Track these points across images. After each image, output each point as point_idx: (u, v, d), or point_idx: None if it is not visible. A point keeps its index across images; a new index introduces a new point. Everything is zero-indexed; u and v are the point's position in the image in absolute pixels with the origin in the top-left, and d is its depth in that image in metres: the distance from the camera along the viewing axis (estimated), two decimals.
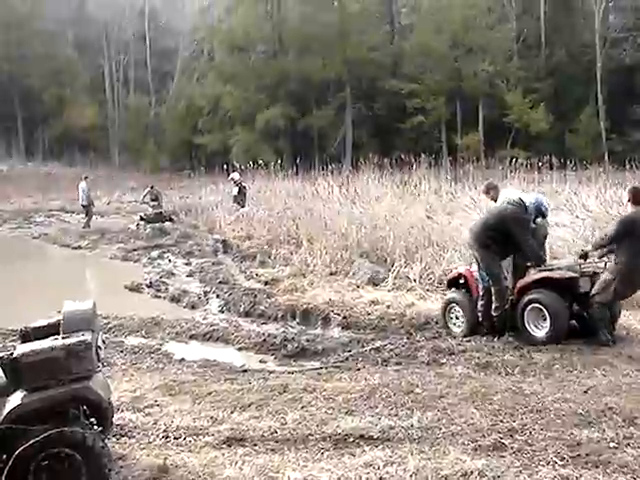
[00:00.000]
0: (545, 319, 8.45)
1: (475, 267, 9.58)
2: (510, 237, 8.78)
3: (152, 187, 25.50)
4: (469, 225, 9.46)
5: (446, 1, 41.54)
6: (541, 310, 8.48)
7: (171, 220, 23.67)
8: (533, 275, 8.86)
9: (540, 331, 8.50)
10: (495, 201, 9.69)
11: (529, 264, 9.06)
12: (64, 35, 59.81)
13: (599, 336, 8.33)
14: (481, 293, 9.13)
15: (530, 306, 8.58)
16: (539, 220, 9.25)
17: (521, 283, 8.88)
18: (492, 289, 8.91)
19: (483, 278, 9.09)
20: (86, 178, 25.88)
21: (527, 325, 8.61)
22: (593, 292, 8.43)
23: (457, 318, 9.57)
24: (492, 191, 9.89)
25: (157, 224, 22.96)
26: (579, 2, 44.99)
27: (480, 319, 9.18)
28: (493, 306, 8.94)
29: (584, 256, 8.78)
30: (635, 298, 9.55)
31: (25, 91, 54.96)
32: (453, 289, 9.91)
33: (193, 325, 11.07)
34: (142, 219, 23.47)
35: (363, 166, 27.10)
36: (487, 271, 8.91)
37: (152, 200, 24.22)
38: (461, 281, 9.78)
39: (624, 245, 8.36)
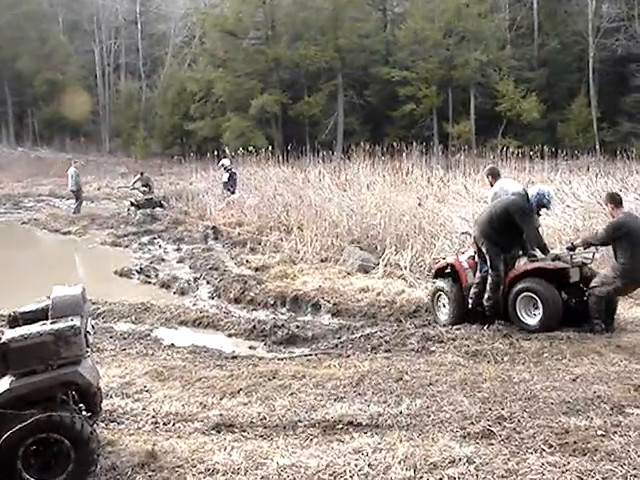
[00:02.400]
0: (537, 307, 8.56)
1: (463, 257, 9.73)
2: (514, 228, 8.87)
3: (142, 173, 25.42)
4: (475, 218, 9.47)
5: None
6: (533, 298, 8.59)
7: (161, 206, 23.59)
8: (525, 265, 8.97)
9: (532, 319, 8.61)
10: (492, 185, 10.02)
11: (520, 254, 9.16)
12: (55, 18, 59.33)
13: (594, 326, 8.41)
14: (476, 281, 9.20)
15: (522, 294, 8.68)
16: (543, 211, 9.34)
17: (513, 273, 8.97)
18: (489, 279, 8.97)
19: (482, 268, 9.16)
20: (75, 163, 25.79)
21: (519, 313, 8.71)
22: (593, 284, 8.55)
23: (444, 306, 9.64)
24: (491, 177, 10.12)
25: (147, 210, 22.89)
26: None
27: (470, 307, 9.23)
28: (486, 295, 9.00)
29: (572, 248, 8.92)
30: None
31: (15, 75, 54.43)
32: (440, 278, 9.94)
33: (183, 311, 11.08)
34: (132, 205, 23.40)
35: (354, 154, 27.11)
36: (491, 264, 8.96)
37: (142, 186, 24.13)
38: (447, 270, 9.84)
39: (623, 245, 8.51)
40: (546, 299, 8.47)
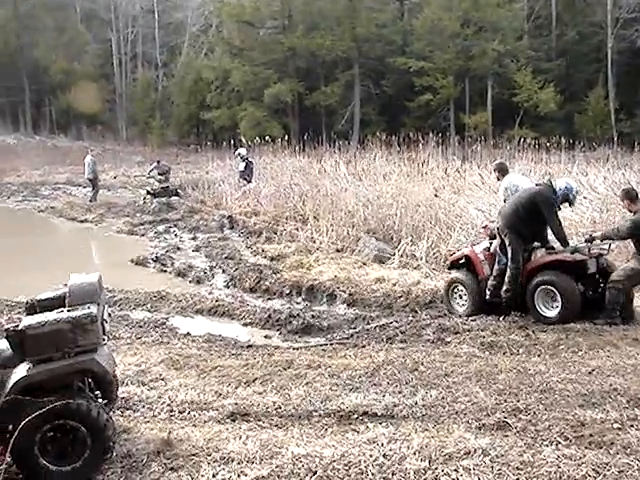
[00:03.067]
0: (555, 299, 8.57)
1: (479, 248, 9.72)
2: (538, 219, 8.89)
3: (159, 162, 25.42)
4: (499, 210, 9.40)
5: None
6: (551, 291, 8.60)
7: (177, 195, 23.63)
8: (544, 257, 8.95)
9: (551, 311, 8.62)
10: (499, 180, 10.28)
11: (535, 246, 9.14)
12: (72, 7, 59.49)
13: (612, 318, 8.40)
14: (495, 273, 9.19)
15: (541, 287, 8.69)
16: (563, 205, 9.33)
17: (531, 265, 8.98)
18: (508, 271, 8.97)
19: (500, 260, 9.15)
20: (92, 152, 25.84)
21: (537, 305, 8.72)
22: (615, 277, 8.54)
23: (460, 297, 9.65)
24: (498, 172, 10.25)
25: (163, 199, 22.94)
26: None
27: (487, 297, 9.22)
28: (504, 287, 9.01)
29: (590, 240, 8.96)
30: None
31: (33, 64, 54.71)
32: (456, 269, 9.92)
33: (198, 300, 11.11)
34: (149, 193, 23.46)
35: (370, 144, 27.03)
36: (512, 255, 8.95)
37: (159, 174, 24.16)
38: (461, 261, 9.85)
39: None
40: (565, 292, 8.47)
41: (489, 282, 9.22)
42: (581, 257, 8.69)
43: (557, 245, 9.05)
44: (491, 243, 9.63)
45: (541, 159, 24.31)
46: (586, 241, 8.99)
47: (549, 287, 8.61)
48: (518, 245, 8.95)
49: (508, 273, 8.96)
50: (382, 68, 44.33)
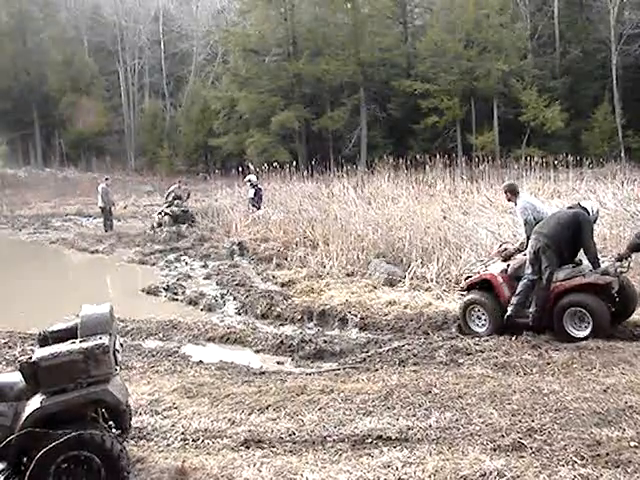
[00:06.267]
0: (584, 320, 8.67)
1: (495, 270, 9.70)
2: (576, 240, 9.00)
3: (180, 182, 25.72)
4: (541, 229, 9.23)
5: (459, 0, 41.34)
6: (581, 312, 8.69)
7: (193, 220, 23.79)
8: (576, 280, 8.95)
9: (581, 331, 8.68)
10: (509, 201, 10.28)
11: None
12: (80, 41, 60.18)
13: None
14: (520, 289, 9.16)
15: (570, 309, 8.75)
16: None
17: (562, 286, 8.96)
18: (540, 291, 8.99)
19: (527, 278, 9.14)
20: (107, 180, 25.72)
21: (566, 326, 8.77)
22: None
23: (479, 318, 9.64)
24: (510, 194, 10.16)
25: (173, 228, 23.03)
26: None
27: (511, 316, 9.20)
28: (533, 307, 9.02)
29: (620, 259, 9.05)
30: None
31: (42, 98, 55.32)
32: (473, 290, 9.89)
33: (210, 327, 11.10)
34: (166, 214, 23.60)
35: (378, 167, 27.14)
36: (547, 276, 8.95)
37: (174, 199, 24.31)
38: (475, 283, 9.83)
39: None
40: (596, 313, 8.58)
41: (514, 300, 9.17)
42: (610, 279, 8.75)
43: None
44: (509, 265, 9.63)
45: (549, 177, 24.34)
46: (617, 260, 9.04)
47: (580, 309, 8.69)
48: (555, 265, 8.96)
49: (540, 293, 8.98)
50: (387, 91, 44.52)
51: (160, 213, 24.21)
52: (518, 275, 9.41)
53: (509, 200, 10.30)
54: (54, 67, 54.98)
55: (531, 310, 9.03)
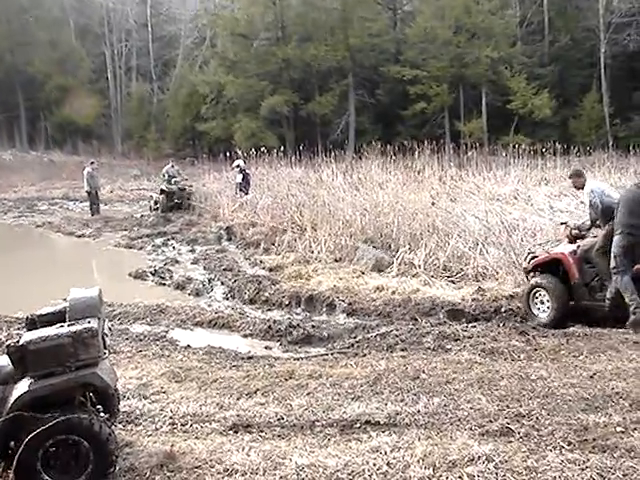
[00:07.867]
0: None
1: (567, 249, 9.43)
2: None
3: (172, 163, 25.95)
4: (618, 210, 8.79)
5: None
6: None
7: (189, 198, 23.88)
8: None
9: None
10: (577, 188, 9.83)
11: None
12: (66, 23, 59.57)
13: None
14: (619, 288, 8.66)
15: None
16: None
17: None
18: (616, 276, 8.62)
19: (620, 274, 8.72)
20: (92, 164, 25.41)
21: None
22: None
23: (542, 303, 9.34)
24: (575, 177, 9.71)
25: (178, 200, 23.51)
26: None
27: (584, 301, 9.08)
28: (609, 293, 8.74)
29: None
30: None
31: (28, 80, 54.64)
32: (537, 273, 9.65)
33: (198, 312, 11.08)
34: (162, 192, 23.60)
35: (366, 153, 27.11)
36: (623, 257, 8.60)
37: (169, 177, 24.34)
38: (540, 264, 9.58)
39: None
40: None
41: (630, 302, 8.53)
42: None
43: None
44: (578, 246, 9.30)
45: (537, 165, 24.42)
46: None
47: None
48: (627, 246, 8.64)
49: (616, 277, 8.61)
50: (376, 77, 44.47)
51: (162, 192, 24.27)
52: (587, 257, 9.11)
53: (576, 187, 9.82)
54: (39, 48, 54.41)
55: (608, 296, 8.73)
